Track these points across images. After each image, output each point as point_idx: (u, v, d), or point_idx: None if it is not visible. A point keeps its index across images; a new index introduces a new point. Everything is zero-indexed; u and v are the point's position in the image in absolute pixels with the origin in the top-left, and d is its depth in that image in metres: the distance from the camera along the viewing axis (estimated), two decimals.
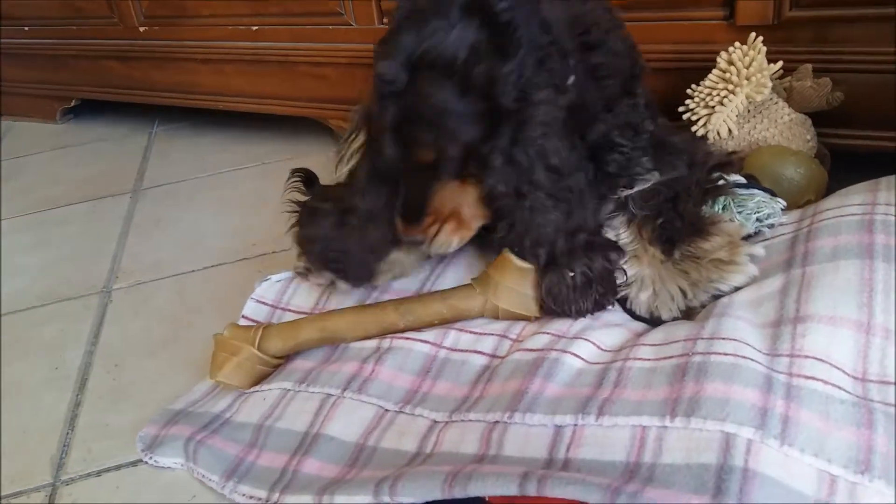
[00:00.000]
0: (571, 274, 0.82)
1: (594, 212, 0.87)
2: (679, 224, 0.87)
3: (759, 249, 0.84)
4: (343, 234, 0.93)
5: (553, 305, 0.84)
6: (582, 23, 0.87)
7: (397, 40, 0.75)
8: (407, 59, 0.74)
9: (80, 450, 0.89)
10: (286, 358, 0.91)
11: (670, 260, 0.86)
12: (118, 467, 0.85)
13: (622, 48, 0.91)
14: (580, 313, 0.84)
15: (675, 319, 0.84)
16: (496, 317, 0.87)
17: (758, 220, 0.90)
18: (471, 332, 0.85)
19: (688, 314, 0.85)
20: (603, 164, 0.89)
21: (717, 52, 1.07)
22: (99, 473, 0.85)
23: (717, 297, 0.83)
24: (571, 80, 0.82)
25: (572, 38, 0.84)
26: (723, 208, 0.91)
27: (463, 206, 0.84)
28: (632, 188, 0.90)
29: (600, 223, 0.89)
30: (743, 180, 0.94)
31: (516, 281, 0.85)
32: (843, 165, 1.05)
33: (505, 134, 0.77)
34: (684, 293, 0.84)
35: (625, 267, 0.87)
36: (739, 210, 0.90)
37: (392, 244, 0.92)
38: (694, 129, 1.06)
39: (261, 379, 0.89)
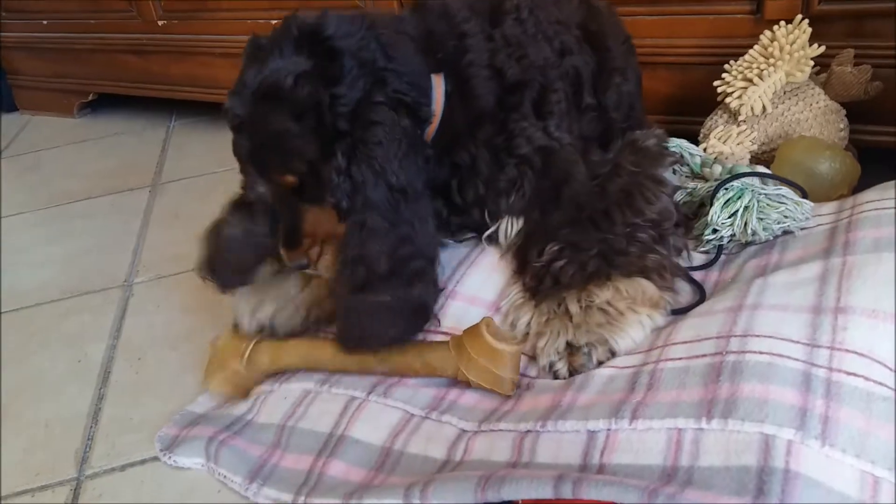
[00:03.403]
0: (382, 299, 0.79)
1: (435, 240, 0.85)
2: (572, 270, 0.83)
3: (659, 320, 0.80)
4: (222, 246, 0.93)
5: (344, 332, 0.81)
6: (438, 41, 0.89)
7: (243, 77, 0.82)
8: (250, 92, 0.81)
9: (103, 444, 0.89)
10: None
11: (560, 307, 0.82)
12: (143, 462, 0.85)
13: (488, 60, 0.90)
14: (378, 342, 0.81)
15: (553, 363, 0.79)
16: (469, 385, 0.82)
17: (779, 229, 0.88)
18: None
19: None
20: (458, 194, 0.89)
21: (743, 48, 1.06)
22: (123, 468, 0.85)
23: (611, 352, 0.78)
24: (435, 99, 0.86)
25: (431, 55, 0.87)
26: (744, 209, 0.88)
27: (338, 227, 0.84)
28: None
29: (435, 255, 0.86)
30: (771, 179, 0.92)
31: (488, 360, 0.78)
32: (871, 161, 1.03)
33: (340, 153, 0.80)
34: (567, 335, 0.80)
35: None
36: (761, 218, 0.88)
37: (258, 263, 0.91)
38: (728, 101, 1.04)
39: (251, 388, 0.88)
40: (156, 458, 0.84)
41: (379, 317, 0.80)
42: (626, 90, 1.02)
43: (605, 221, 0.85)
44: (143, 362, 1.02)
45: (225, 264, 0.92)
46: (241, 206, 0.93)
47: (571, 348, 0.78)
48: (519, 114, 0.89)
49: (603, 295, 0.80)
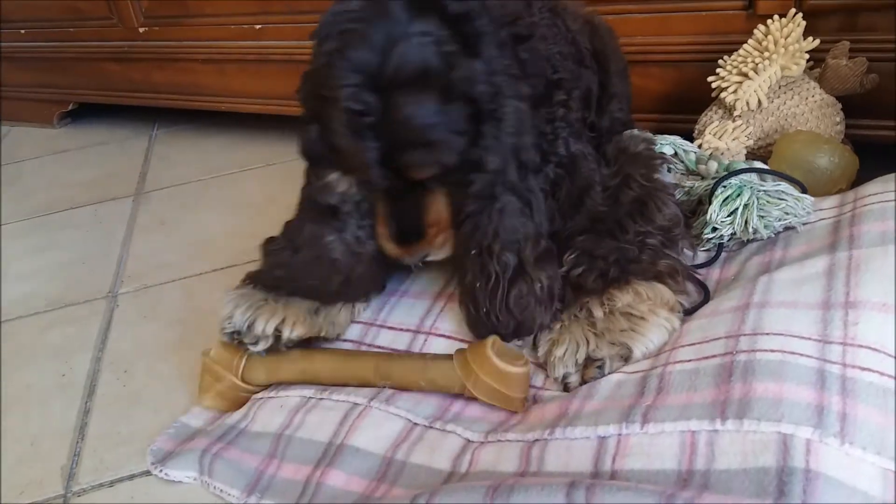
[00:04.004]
0: (539, 284, 0.78)
1: (548, 217, 0.82)
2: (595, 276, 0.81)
3: (677, 323, 0.77)
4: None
5: (517, 316, 0.79)
6: (509, 12, 0.82)
7: (348, 61, 0.66)
8: (371, 79, 0.66)
9: (91, 459, 0.86)
10: None
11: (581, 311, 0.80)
12: (132, 477, 0.82)
13: (542, 47, 0.85)
14: (542, 328, 0.80)
15: (567, 375, 0.77)
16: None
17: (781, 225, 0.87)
18: None
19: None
20: None
21: (736, 44, 1.05)
22: (112, 483, 0.82)
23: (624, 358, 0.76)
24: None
25: (503, 27, 0.79)
26: (744, 206, 0.87)
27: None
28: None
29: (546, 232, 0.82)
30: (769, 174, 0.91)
31: (496, 381, 0.75)
32: (867, 155, 1.02)
33: (489, 135, 0.72)
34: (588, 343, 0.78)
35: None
36: (762, 215, 0.86)
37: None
38: (723, 95, 1.03)
39: (246, 401, 0.86)
40: (145, 473, 0.82)
41: (531, 302, 0.78)
42: (619, 118, 1.00)
43: (618, 231, 0.83)
44: (130, 374, 0.99)
45: (339, 280, 0.87)
46: (323, 211, 0.86)
47: (588, 360, 0.76)
48: (562, 111, 0.85)
49: (624, 298, 0.78)
